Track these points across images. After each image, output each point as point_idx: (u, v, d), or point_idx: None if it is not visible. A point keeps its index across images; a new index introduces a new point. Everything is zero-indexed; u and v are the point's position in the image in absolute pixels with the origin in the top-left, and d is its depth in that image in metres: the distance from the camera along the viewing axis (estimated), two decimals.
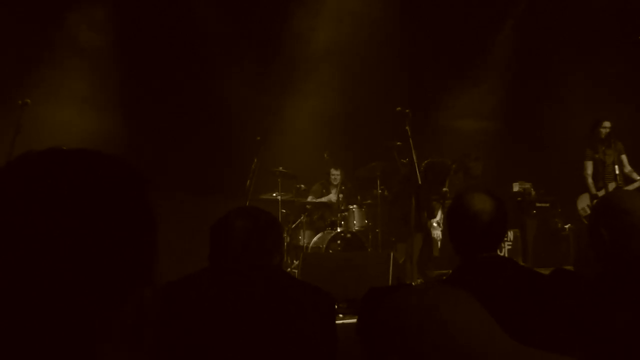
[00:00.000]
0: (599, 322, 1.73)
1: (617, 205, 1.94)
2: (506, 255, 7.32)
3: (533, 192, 7.97)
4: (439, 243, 6.73)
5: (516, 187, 8.06)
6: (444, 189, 6.52)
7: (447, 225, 2.20)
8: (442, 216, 6.65)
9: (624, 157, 7.03)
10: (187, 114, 8.06)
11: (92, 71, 7.62)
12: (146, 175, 0.77)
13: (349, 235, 7.05)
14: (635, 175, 6.96)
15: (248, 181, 6.78)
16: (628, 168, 7.02)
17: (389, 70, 8.72)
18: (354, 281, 4.99)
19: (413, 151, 5.92)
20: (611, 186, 6.93)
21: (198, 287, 1.86)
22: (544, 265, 6.45)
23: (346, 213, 7.38)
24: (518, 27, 9.40)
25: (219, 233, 1.99)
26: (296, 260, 6.91)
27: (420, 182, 5.85)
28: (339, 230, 7.07)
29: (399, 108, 5.99)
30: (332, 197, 7.72)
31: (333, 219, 7.30)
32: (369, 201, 7.55)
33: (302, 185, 7.71)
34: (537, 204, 7.95)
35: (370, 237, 7.40)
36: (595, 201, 6.68)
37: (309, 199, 7.64)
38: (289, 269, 6.89)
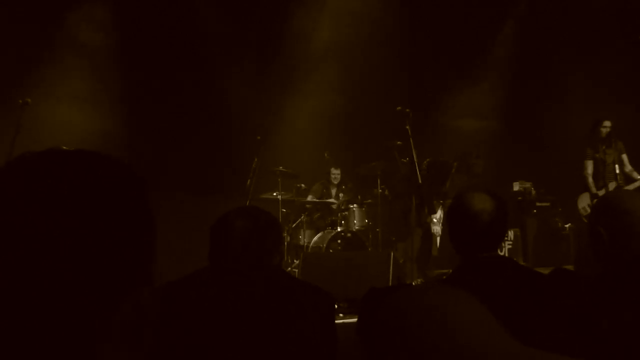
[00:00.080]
0: (599, 322, 1.73)
1: (617, 205, 1.94)
2: (506, 254, 7.33)
3: (533, 192, 7.98)
4: (438, 239, 6.74)
5: (516, 187, 8.06)
6: (445, 189, 6.54)
7: (447, 224, 2.20)
8: (442, 215, 6.66)
9: (624, 157, 7.03)
10: (187, 114, 8.06)
11: (92, 71, 7.63)
12: (145, 176, 0.77)
13: (349, 235, 7.05)
14: (635, 175, 6.96)
15: (248, 180, 6.78)
16: (628, 167, 7.02)
17: (389, 70, 8.72)
18: (354, 281, 5.00)
19: (413, 150, 5.92)
20: (611, 185, 6.93)
21: (198, 287, 1.86)
22: (545, 265, 6.45)
23: (346, 212, 7.38)
24: (518, 27, 9.40)
25: (219, 233, 1.99)
26: (296, 260, 6.92)
27: (420, 182, 5.86)
28: (339, 229, 7.08)
29: (399, 107, 5.99)
30: (334, 200, 7.71)
31: (333, 218, 7.31)
32: (369, 200, 7.55)
33: (303, 185, 7.71)
34: (538, 204, 7.95)
35: (370, 236, 7.39)
36: (595, 200, 6.68)
37: (309, 198, 7.64)
38: (289, 269, 6.89)
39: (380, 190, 7.26)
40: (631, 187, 6.80)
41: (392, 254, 5.34)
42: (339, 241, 6.97)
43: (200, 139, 7.95)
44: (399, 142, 6.70)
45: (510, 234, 7.64)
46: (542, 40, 9.15)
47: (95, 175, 0.72)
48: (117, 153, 0.79)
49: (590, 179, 7.10)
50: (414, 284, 5.90)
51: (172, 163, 7.56)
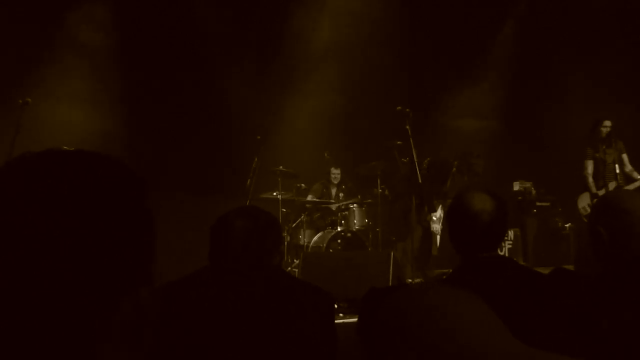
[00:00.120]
0: (599, 322, 1.73)
1: (616, 205, 1.94)
2: (507, 254, 7.33)
3: (533, 192, 7.98)
4: (438, 238, 6.74)
5: (516, 187, 8.06)
6: (445, 189, 6.54)
7: (447, 224, 2.20)
8: (443, 214, 6.66)
9: (624, 156, 7.03)
10: (187, 114, 8.06)
11: (92, 71, 7.63)
12: (145, 176, 0.77)
13: (349, 235, 7.05)
14: (635, 175, 6.96)
15: (248, 180, 6.79)
16: (629, 167, 7.02)
17: (389, 70, 8.72)
18: (355, 280, 5.00)
19: (413, 150, 5.93)
20: (612, 185, 6.93)
21: (198, 287, 1.86)
22: (545, 265, 6.45)
23: (346, 212, 7.38)
24: (518, 27, 9.40)
25: (219, 233, 1.99)
26: (296, 260, 6.92)
27: (420, 181, 5.87)
28: (339, 229, 7.08)
29: (399, 107, 6.00)
30: (334, 200, 7.71)
31: (333, 218, 7.30)
32: (369, 200, 7.55)
33: (303, 185, 7.72)
34: (538, 203, 7.96)
35: (370, 236, 7.39)
36: (595, 200, 6.68)
37: (309, 198, 7.64)
38: (289, 268, 6.89)
39: (380, 190, 7.26)
40: (631, 186, 6.80)
41: (392, 254, 5.34)
42: (339, 241, 6.97)
43: (200, 139, 7.95)
44: (399, 142, 6.70)
45: (511, 233, 7.65)
46: (542, 40, 9.15)
47: (95, 175, 0.72)
48: (117, 153, 0.79)
49: (590, 179, 7.10)
50: (410, 280, 5.91)
51: (172, 163, 7.56)
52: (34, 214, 0.67)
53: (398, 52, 8.90)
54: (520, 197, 7.90)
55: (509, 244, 7.68)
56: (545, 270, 2.12)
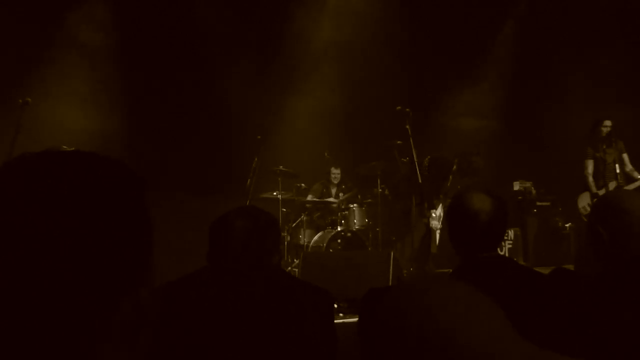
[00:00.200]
0: (599, 322, 1.72)
1: (616, 205, 1.94)
2: (507, 254, 7.33)
3: (534, 191, 7.98)
4: (438, 235, 6.74)
5: (517, 186, 8.06)
6: (445, 188, 6.55)
7: (447, 224, 2.20)
8: (442, 212, 6.66)
9: (625, 156, 7.03)
10: (187, 114, 8.06)
11: (92, 71, 7.63)
12: (145, 176, 0.77)
13: (349, 234, 7.05)
14: (636, 174, 6.96)
15: (249, 180, 6.79)
16: (629, 167, 7.02)
17: (389, 70, 8.72)
18: (355, 280, 5.00)
19: (413, 150, 5.93)
20: (612, 185, 6.93)
21: (197, 287, 1.86)
22: (545, 264, 6.45)
23: (346, 212, 7.38)
24: (518, 27, 9.41)
25: (219, 233, 1.99)
26: (296, 259, 6.92)
27: (420, 181, 5.87)
28: (339, 229, 7.08)
29: (399, 107, 6.00)
30: (334, 199, 7.72)
31: (333, 217, 7.30)
32: (369, 200, 7.55)
33: (303, 184, 7.72)
34: (538, 203, 7.96)
35: (370, 236, 7.40)
36: (595, 200, 6.68)
37: (309, 197, 7.64)
38: (289, 268, 6.89)
39: (380, 190, 7.26)
40: (631, 186, 6.80)
41: (392, 253, 5.34)
42: (339, 241, 6.97)
43: (200, 139, 7.95)
44: (399, 142, 6.70)
45: (511, 233, 7.64)
46: (542, 40, 9.15)
47: (95, 175, 0.72)
48: (117, 153, 0.79)
49: (590, 179, 7.10)
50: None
51: (172, 163, 7.56)
52: (34, 214, 0.67)
53: (398, 52, 8.91)
54: (520, 197, 7.90)
55: (509, 244, 7.68)
56: (545, 270, 2.12)
